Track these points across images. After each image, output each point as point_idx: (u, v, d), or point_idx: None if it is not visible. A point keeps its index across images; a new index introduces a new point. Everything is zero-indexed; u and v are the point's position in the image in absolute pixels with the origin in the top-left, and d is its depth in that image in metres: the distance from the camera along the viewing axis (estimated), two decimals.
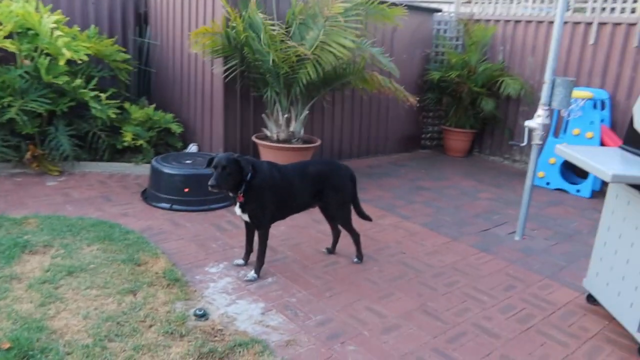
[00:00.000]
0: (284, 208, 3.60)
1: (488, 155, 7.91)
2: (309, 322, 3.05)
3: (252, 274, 3.51)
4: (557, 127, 6.43)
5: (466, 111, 7.57)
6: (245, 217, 3.50)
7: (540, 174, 6.43)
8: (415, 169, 6.97)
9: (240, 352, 2.72)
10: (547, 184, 6.40)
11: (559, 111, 6.27)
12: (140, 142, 5.82)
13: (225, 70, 5.43)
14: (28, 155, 5.43)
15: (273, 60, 4.82)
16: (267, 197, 3.42)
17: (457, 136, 7.72)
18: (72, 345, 2.61)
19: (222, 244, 4.05)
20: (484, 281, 3.74)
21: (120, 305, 3.04)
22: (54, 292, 3.11)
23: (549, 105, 4.31)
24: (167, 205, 4.75)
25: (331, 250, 4.01)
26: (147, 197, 4.92)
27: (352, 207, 3.86)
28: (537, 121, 4.36)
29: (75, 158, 5.60)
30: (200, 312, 3.03)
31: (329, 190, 3.67)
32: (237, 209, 3.47)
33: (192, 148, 6.11)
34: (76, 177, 5.48)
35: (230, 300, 3.24)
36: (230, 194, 3.42)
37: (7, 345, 2.53)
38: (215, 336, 2.85)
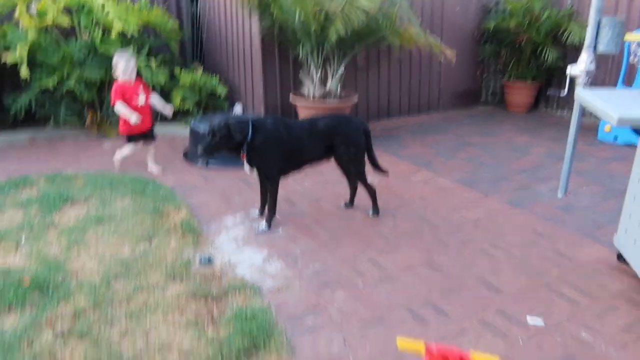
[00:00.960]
0: (294, 162, 3.63)
1: (555, 110, 7.31)
2: (306, 271, 3.10)
3: (263, 225, 3.61)
4: (627, 74, 5.78)
5: (528, 63, 7.02)
6: (255, 173, 3.59)
7: (607, 127, 5.86)
8: (467, 125, 6.64)
9: (232, 295, 2.84)
10: (615, 138, 5.82)
11: (628, 57, 5.63)
12: (188, 105, 6.09)
13: (263, 30, 5.48)
14: (88, 120, 5.92)
15: (300, 17, 4.78)
16: (271, 153, 3.47)
17: (518, 90, 7.21)
18: (82, 284, 2.89)
19: (244, 198, 4.19)
20: (504, 238, 3.55)
21: (134, 251, 3.28)
22: (80, 238, 3.42)
23: (594, 49, 3.89)
24: (203, 164, 4.98)
25: (349, 205, 4.00)
26: (187, 156, 5.18)
27: (367, 161, 3.80)
28: (579, 67, 3.96)
29: None
30: (206, 258, 3.20)
31: (340, 145, 3.63)
32: (246, 166, 3.56)
33: (237, 109, 6.28)
34: None
35: (237, 248, 3.38)
36: (234, 155, 3.52)
37: (27, 280, 2.86)
38: (214, 280, 3.00)
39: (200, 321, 2.60)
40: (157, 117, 6.15)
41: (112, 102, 4.45)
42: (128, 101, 4.45)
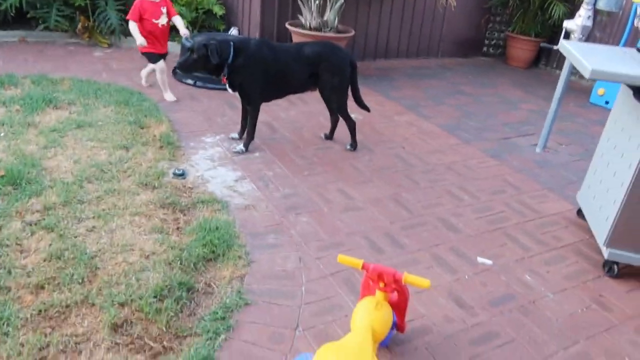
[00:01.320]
0: (276, 87, 3.63)
1: (554, 68, 7.22)
2: (275, 194, 3.19)
3: (240, 146, 3.66)
4: (629, 37, 5.67)
5: (535, 16, 6.86)
6: (237, 94, 3.60)
7: (601, 90, 5.83)
8: (463, 74, 6.58)
9: (200, 207, 2.94)
10: (606, 102, 5.80)
11: (634, 20, 5.50)
12: (183, 22, 5.95)
13: None
14: (79, 26, 5.79)
15: None
16: (252, 76, 3.45)
17: (520, 44, 7.08)
18: (55, 181, 2.96)
19: (227, 119, 4.22)
20: (474, 183, 3.63)
21: (110, 157, 3.34)
22: (58, 139, 3.47)
23: (594, 4, 3.82)
24: (191, 82, 4.95)
25: (328, 137, 4.04)
26: (175, 73, 5.14)
27: (350, 94, 3.80)
28: (576, 22, 3.91)
29: (122, 32, 5.88)
30: (179, 172, 3.26)
31: (324, 73, 3.62)
32: (229, 88, 3.56)
33: (233, 32, 6.16)
34: (121, 51, 5.80)
35: (212, 166, 3.44)
36: (214, 77, 3.50)
37: (2, 173, 2.93)
38: (184, 192, 3.08)
39: (165, 228, 2.70)
40: None
41: (127, 16, 4.31)
42: (148, 19, 4.24)
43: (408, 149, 4.06)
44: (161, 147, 3.56)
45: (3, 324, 1.97)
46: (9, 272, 2.24)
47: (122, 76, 4.91)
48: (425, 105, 5.17)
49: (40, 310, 2.06)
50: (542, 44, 6.87)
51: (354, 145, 3.90)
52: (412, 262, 2.68)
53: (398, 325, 2.07)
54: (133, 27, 4.21)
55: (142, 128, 3.82)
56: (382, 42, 6.58)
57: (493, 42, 7.65)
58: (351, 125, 3.86)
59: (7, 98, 4.01)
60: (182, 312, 2.18)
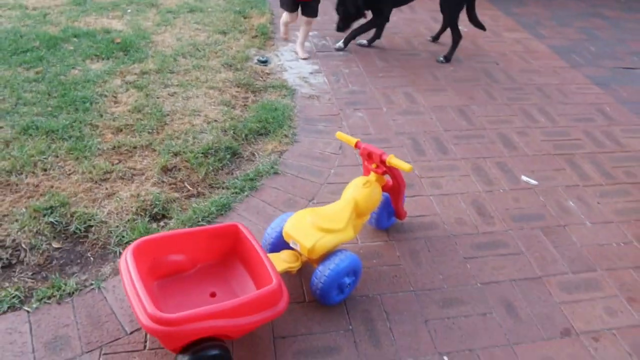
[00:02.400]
0: None
1: None
2: (343, 89, 3.33)
3: (340, 43, 3.81)
4: None
5: None
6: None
7: None
8: None
9: (270, 91, 3.22)
10: None
11: None
12: None
13: None
14: None
15: None
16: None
17: None
18: (157, 53, 3.44)
19: (327, 18, 4.29)
20: (559, 107, 3.37)
21: (208, 39, 3.72)
22: (171, 19, 3.94)
23: None
24: None
25: (435, 38, 4.09)
26: None
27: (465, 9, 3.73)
28: None
29: None
30: (263, 59, 3.55)
31: None
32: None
33: None
34: None
35: (295, 58, 3.66)
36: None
37: (118, 41, 3.48)
38: (261, 77, 3.38)
39: (233, 103, 3.04)
40: None
41: None
42: None
43: (501, 66, 3.84)
44: (255, 36, 3.86)
45: (86, 150, 2.50)
46: (101, 115, 2.77)
47: None
48: (546, 25, 4.72)
49: (114, 147, 2.56)
50: None
51: (447, 58, 3.80)
52: (448, 168, 2.70)
53: (396, 212, 2.20)
54: None
55: (245, 18, 4.13)
56: None
57: None
58: (455, 39, 3.78)
59: None
60: (222, 169, 2.53)
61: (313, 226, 1.79)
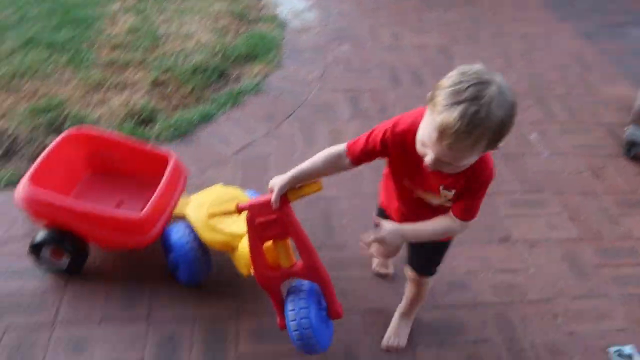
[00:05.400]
0: None
1: None
2: (331, 25, 3.46)
3: None
4: None
5: None
6: None
7: None
8: None
9: (261, 22, 3.37)
10: None
11: None
12: None
13: None
14: None
15: None
16: None
17: None
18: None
19: None
20: (536, 53, 3.46)
21: None
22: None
23: None
24: None
25: None
26: None
27: None
28: None
29: None
30: None
31: None
32: None
33: None
34: None
35: None
36: None
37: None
38: (255, 9, 3.52)
39: (225, 30, 3.20)
40: None
41: None
42: None
43: (489, 14, 3.93)
44: None
45: (83, 62, 2.70)
46: (100, 33, 2.96)
47: None
48: None
49: (109, 61, 2.75)
50: None
51: None
52: (422, 97, 2.85)
53: (330, 309, 1.51)
54: None
55: None
56: None
57: None
58: None
59: None
60: (209, 87, 2.72)
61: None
